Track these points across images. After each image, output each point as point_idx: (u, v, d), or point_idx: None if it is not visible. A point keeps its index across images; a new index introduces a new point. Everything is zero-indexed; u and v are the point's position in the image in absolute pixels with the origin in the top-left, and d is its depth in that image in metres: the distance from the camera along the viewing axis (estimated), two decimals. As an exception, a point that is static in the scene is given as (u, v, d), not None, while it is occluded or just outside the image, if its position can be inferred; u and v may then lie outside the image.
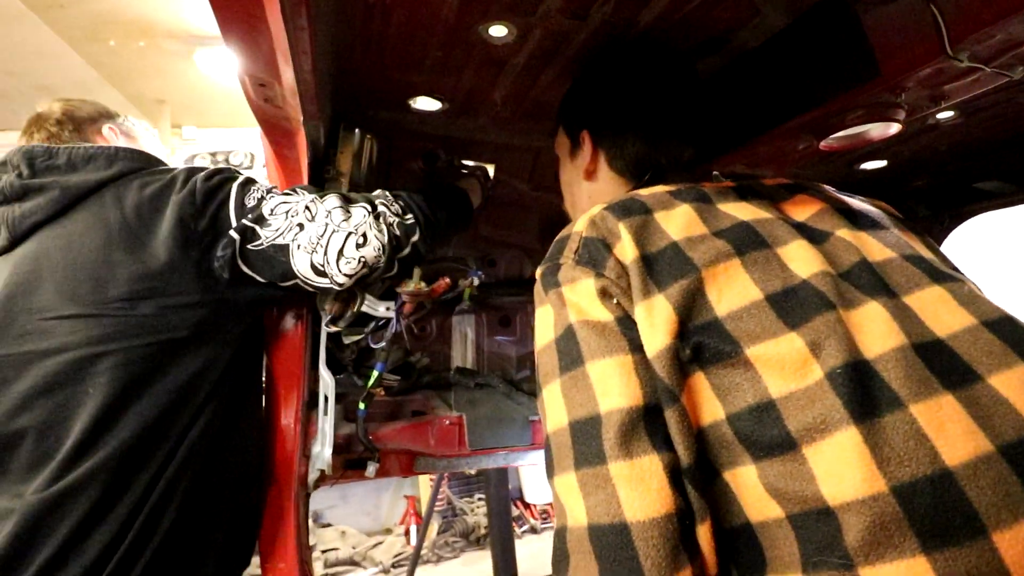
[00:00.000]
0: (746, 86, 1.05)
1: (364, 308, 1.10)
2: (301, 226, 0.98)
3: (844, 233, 0.69)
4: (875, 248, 0.67)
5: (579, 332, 0.62)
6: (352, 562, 3.43)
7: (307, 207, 0.99)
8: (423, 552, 3.22)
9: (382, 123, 1.27)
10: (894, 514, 0.46)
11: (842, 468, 0.49)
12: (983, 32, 0.73)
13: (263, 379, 1.09)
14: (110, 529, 0.82)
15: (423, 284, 1.06)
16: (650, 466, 0.53)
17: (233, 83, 3.56)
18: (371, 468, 1.12)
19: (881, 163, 1.48)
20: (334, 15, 0.90)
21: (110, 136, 1.19)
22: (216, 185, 0.99)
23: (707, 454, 0.57)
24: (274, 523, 1.02)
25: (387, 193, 1.10)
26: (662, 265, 0.63)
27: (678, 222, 0.68)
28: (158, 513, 0.87)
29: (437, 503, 3.50)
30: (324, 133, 1.10)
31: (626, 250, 0.65)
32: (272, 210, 0.98)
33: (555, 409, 0.61)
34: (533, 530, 3.95)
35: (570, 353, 0.61)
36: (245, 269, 0.97)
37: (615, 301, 0.63)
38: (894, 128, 0.96)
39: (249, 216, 0.97)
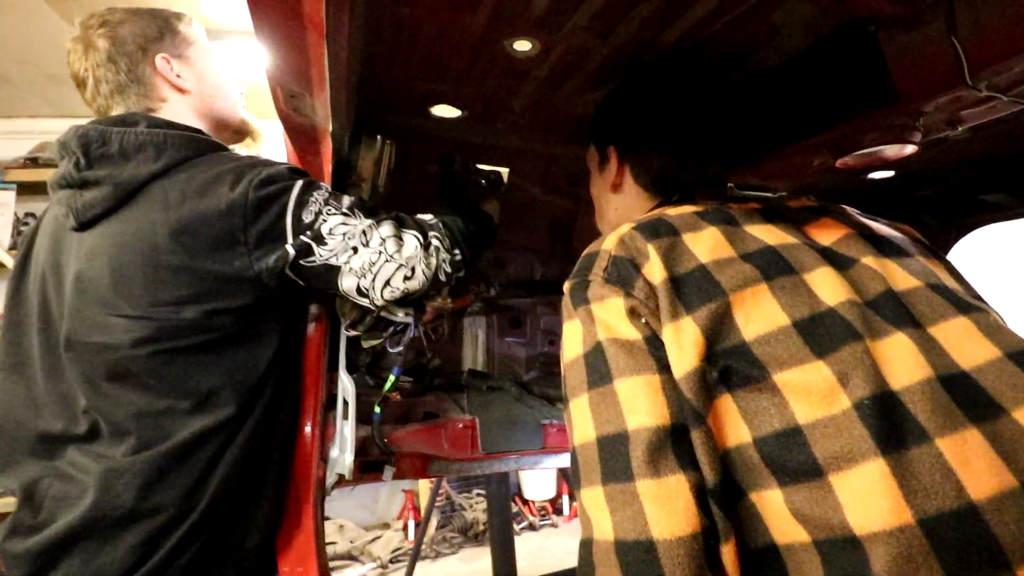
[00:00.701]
0: (764, 103, 1.07)
1: (383, 313, 1.12)
2: (355, 249, 0.99)
3: (869, 260, 0.70)
4: (900, 276, 0.68)
5: (608, 349, 0.63)
6: (350, 556, 3.46)
7: (364, 231, 1.00)
8: (420, 548, 3.25)
9: (401, 128, 1.28)
10: (921, 546, 0.48)
11: (869, 498, 0.50)
12: (1002, 64, 0.75)
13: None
14: (173, 498, 0.90)
15: (449, 300, 1.09)
16: (677, 485, 0.55)
17: (247, 77, 3.54)
18: (388, 472, 1.14)
19: (889, 173, 1.50)
20: (365, 29, 0.92)
21: (164, 69, 1.09)
22: (271, 196, 0.96)
23: (733, 475, 0.58)
24: (293, 526, 1.04)
25: (440, 224, 1.12)
26: (690, 287, 0.64)
27: (706, 244, 0.69)
28: (213, 494, 0.93)
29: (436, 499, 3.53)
30: (348, 140, 1.12)
31: (655, 271, 0.66)
32: (331, 230, 0.98)
33: (582, 423, 0.63)
34: (532, 527, 3.98)
35: (598, 369, 0.63)
36: (291, 276, 0.98)
37: (643, 321, 0.64)
38: (909, 149, 0.98)
39: (307, 233, 0.96)
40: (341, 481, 1.09)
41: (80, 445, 0.95)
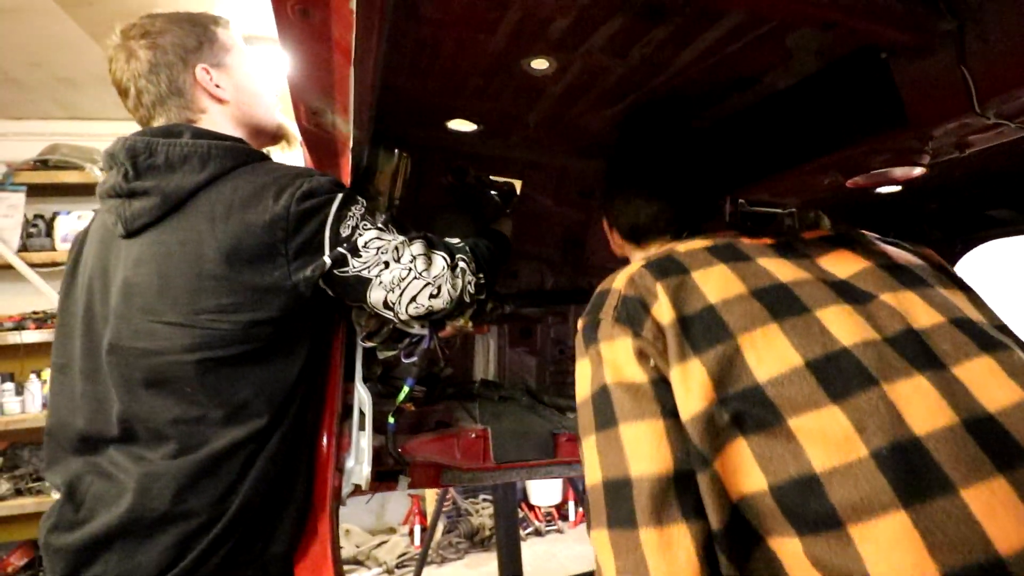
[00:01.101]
0: (775, 123, 1.09)
1: (399, 325, 1.14)
2: (387, 264, 1.02)
3: (888, 297, 0.68)
4: (922, 311, 0.66)
5: (613, 393, 0.64)
6: (356, 561, 3.48)
7: (396, 247, 1.04)
8: (428, 553, 3.27)
9: (417, 141, 1.31)
10: None
11: (892, 552, 0.50)
12: (1010, 93, 0.77)
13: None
14: (205, 503, 0.94)
15: (470, 324, 1.11)
16: (679, 535, 0.56)
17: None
18: (403, 482, 1.16)
19: (895, 188, 1.52)
20: (387, 50, 0.94)
21: (203, 80, 1.10)
22: (313, 209, 0.99)
23: (750, 521, 0.58)
24: (309, 535, 1.06)
25: (467, 248, 1.15)
26: (698, 328, 0.64)
27: (715, 283, 0.69)
28: (242, 501, 0.96)
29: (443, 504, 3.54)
30: (366, 154, 1.14)
31: (663, 311, 0.66)
32: (366, 243, 1.02)
33: (591, 465, 0.64)
34: (537, 532, 3.98)
35: (604, 412, 0.64)
36: (323, 286, 1.02)
37: (651, 363, 0.64)
38: (918, 171, 1.00)
39: (344, 245, 1.00)
40: (356, 491, 1.11)
41: (119, 446, 0.99)
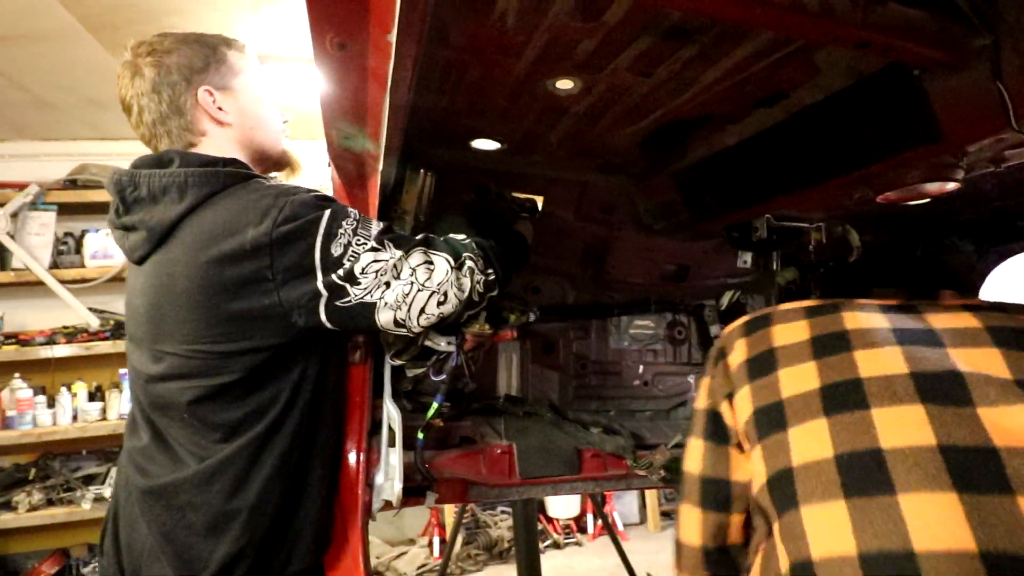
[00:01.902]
0: (803, 139, 1.09)
1: (426, 343, 1.15)
2: (388, 284, 0.98)
3: (987, 410, 0.59)
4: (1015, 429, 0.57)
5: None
6: (376, 573, 3.48)
7: (394, 265, 0.99)
8: (448, 564, 3.26)
9: (441, 160, 1.32)
10: None
11: None
12: (1050, 109, 0.76)
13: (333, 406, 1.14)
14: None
15: (487, 327, 1.11)
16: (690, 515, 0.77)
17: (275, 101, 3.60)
18: (430, 498, 1.16)
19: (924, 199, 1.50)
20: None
21: (205, 102, 1.08)
22: (297, 231, 0.94)
23: None
24: (340, 550, 1.07)
25: (473, 244, 1.11)
26: (763, 418, 0.72)
27: (794, 376, 0.72)
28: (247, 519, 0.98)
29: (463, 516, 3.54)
30: (394, 175, 1.16)
31: (736, 356, 0.81)
32: (364, 269, 0.97)
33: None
34: (556, 545, 3.95)
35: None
36: (325, 321, 0.97)
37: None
38: (951, 186, 0.99)
39: (339, 273, 0.95)
40: (386, 506, 1.12)
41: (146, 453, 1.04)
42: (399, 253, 1.00)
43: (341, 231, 0.97)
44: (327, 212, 0.98)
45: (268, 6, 2.55)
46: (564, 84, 1.03)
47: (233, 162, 1.07)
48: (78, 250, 3.60)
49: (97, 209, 3.66)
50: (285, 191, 0.99)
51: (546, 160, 1.38)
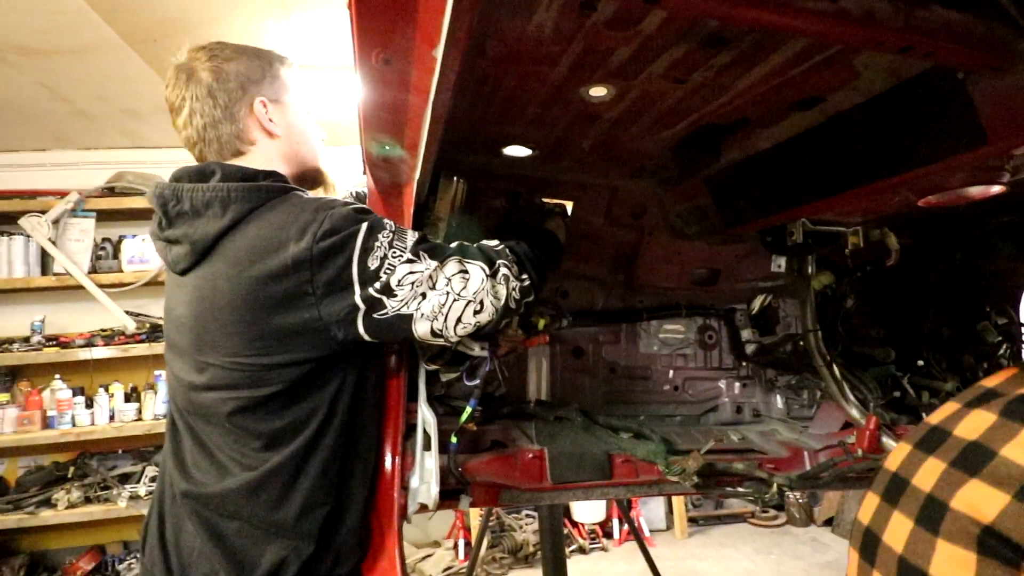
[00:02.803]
0: (842, 142, 1.07)
1: (459, 348, 1.16)
2: (424, 295, 0.99)
3: None
4: None
5: None
6: (402, 572, 3.52)
7: (430, 276, 1.00)
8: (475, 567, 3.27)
9: (473, 167, 1.34)
10: None
11: None
12: (1100, 111, 0.74)
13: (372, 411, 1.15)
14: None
15: (520, 332, 1.12)
16: None
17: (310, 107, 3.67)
18: (464, 501, 1.17)
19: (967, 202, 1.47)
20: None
21: (259, 112, 1.11)
22: (337, 246, 0.96)
23: None
24: (377, 553, 1.08)
25: (507, 251, 1.11)
26: None
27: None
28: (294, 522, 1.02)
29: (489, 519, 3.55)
30: (428, 183, 1.18)
31: None
32: (400, 281, 0.98)
33: None
34: (582, 550, 3.94)
35: None
36: (363, 333, 0.99)
37: None
38: (996, 189, 0.97)
39: (376, 286, 0.97)
40: (421, 509, 1.13)
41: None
42: (434, 264, 1.01)
43: (377, 244, 0.98)
44: (364, 225, 0.99)
45: (299, 14, 2.61)
46: (597, 91, 1.04)
47: (272, 175, 1.08)
48: (115, 255, 3.72)
49: (134, 215, 3.78)
50: (324, 204, 1.01)
51: (577, 166, 1.38)
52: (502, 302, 1.05)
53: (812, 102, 1.05)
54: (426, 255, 1.01)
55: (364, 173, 1.26)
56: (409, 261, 0.99)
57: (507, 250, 1.12)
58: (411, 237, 1.02)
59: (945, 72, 0.87)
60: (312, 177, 1.26)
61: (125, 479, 3.44)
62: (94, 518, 3.35)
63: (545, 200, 1.53)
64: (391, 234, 1.00)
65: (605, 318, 1.62)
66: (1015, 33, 0.78)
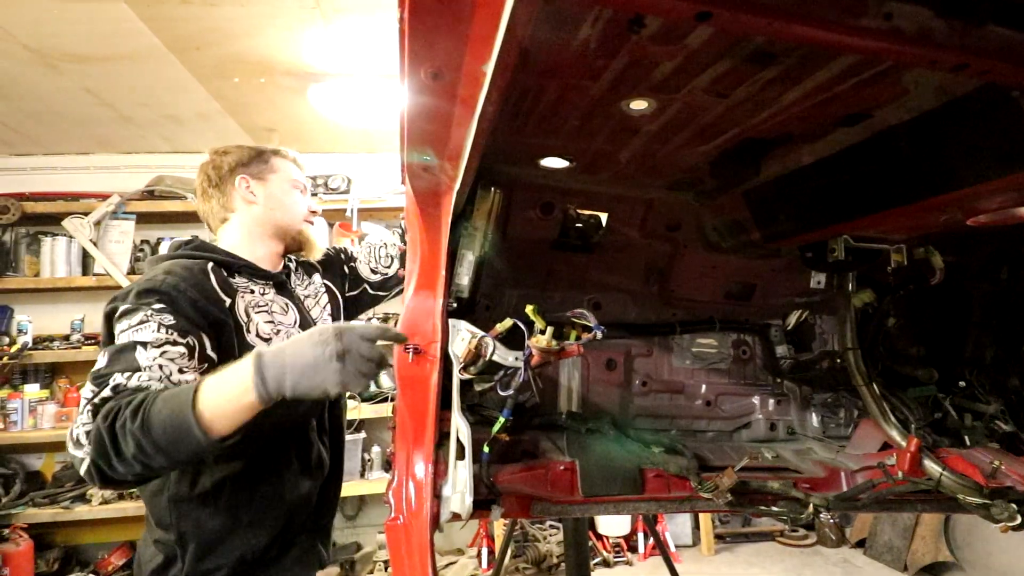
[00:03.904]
0: (889, 159, 1.05)
1: (495, 358, 1.17)
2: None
3: None
4: None
5: None
6: (424, 579, 3.52)
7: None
8: None
9: (508, 176, 1.35)
10: None
11: None
12: None
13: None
14: None
15: (554, 342, 1.12)
16: None
17: (338, 114, 3.76)
18: (496, 512, 1.17)
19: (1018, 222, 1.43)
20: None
21: (240, 187, 1.52)
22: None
23: None
24: (410, 560, 1.09)
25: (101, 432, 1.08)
26: None
27: None
28: None
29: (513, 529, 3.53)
30: (466, 193, 1.19)
31: None
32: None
33: None
34: (606, 563, 3.90)
35: None
36: None
37: None
38: (1050, 209, 0.95)
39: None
40: (454, 518, 1.14)
41: None
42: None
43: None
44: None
45: (337, 23, 2.67)
46: (638, 104, 1.04)
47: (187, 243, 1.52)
48: (153, 257, 3.83)
49: (172, 218, 3.89)
50: (130, 288, 1.28)
51: (613, 178, 1.38)
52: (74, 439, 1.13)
53: (858, 118, 1.03)
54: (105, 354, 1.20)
55: (403, 183, 1.28)
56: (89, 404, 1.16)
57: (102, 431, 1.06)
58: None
59: (999, 90, 0.85)
60: (292, 237, 1.59)
61: (157, 476, 3.54)
62: (127, 514, 3.43)
63: (580, 211, 1.53)
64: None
65: (638, 331, 1.61)
66: (1076, 51, 0.76)
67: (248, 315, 1.40)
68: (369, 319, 3.51)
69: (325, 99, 3.32)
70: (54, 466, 3.75)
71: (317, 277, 1.71)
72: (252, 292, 1.46)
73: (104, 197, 3.76)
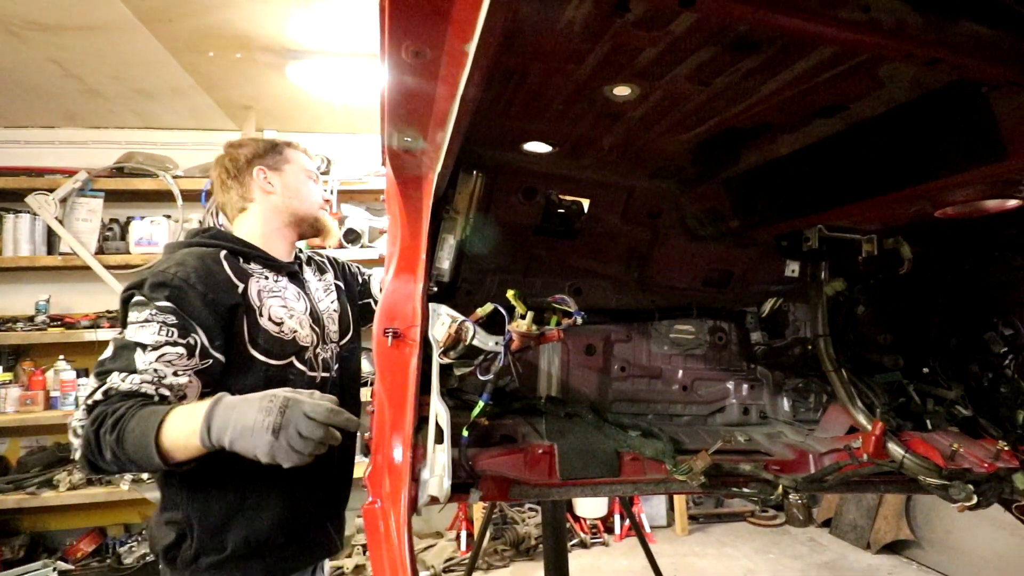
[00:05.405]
0: (863, 151, 1.08)
1: (474, 342, 1.17)
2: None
3: None
4: None
5: None
6: (402, 562, 3.54)
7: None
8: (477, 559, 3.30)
9: (490, 160, 1.34)
10: None
11: None
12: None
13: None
14: None
15: (535, 327, 1.12)
16: None
17: (319, 92, 3.69)
18: (475, 495, 1.18)
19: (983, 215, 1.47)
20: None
21: (258, 176, 1.57)
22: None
23: None
24: (388, 543, 1.10)
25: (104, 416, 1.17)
26: None
27: None
28: None
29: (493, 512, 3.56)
30: (448, 176, 1.18)
31: None
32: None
33: None
34: (583, 544, 3.96)
35: None
36: None
37: None
38: (1012, 203, 0.98)
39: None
40: (432, 501, 1.14)
41: None
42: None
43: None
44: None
45: (319, 2, 2.60)
46: (621, 91, 1.04)
47: (203, 232, 1.57)
48: (123, 236, 3.72)
49: (143, 197, 3.78)
50: (152, 272, 1.36)
51: (596, 164, 1.39)
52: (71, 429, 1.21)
53: (835, 110, 1.05)
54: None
55: (383, 164, 1.27)
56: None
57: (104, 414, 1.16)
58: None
59: (969, 86, 0.88)
60: (309, 223, 1.64)
61: (128, 461, 3.47)
62: (96, 500, 3.37)
63: (563, 197, 1.53)
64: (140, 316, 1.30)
65: (617, 317, 1.62)
66: (1044, 49, 0.78)
67: (261, 299, 1.47)
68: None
69: (305, 77, 3.24)
70: (19, 451, 3.65)
71: (329, 277, 1.78)
72: (266, 279, 1.51)
73: (70, 173, 3.62)
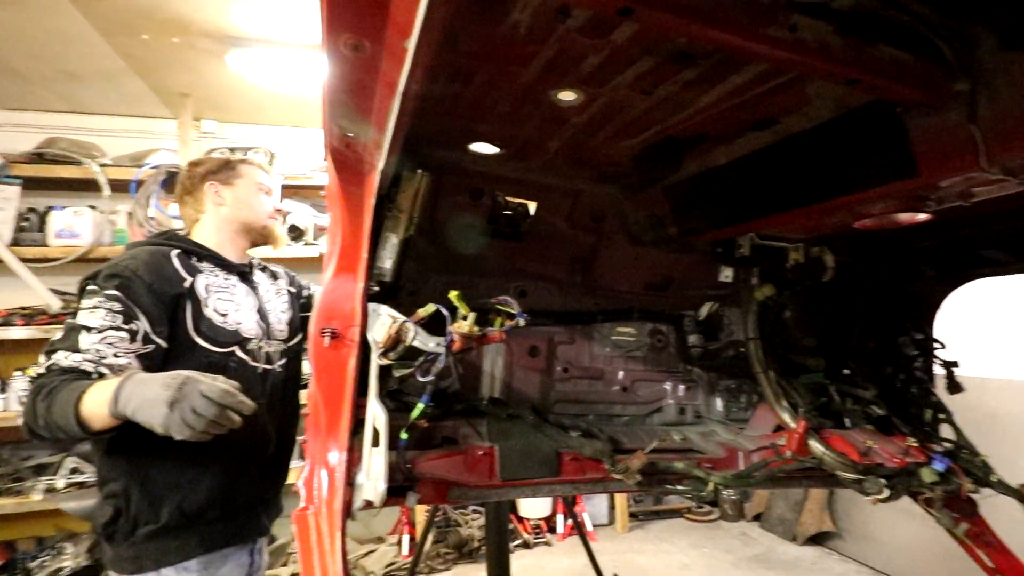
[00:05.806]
0: (790, 163, 1.13)
1: (415, 343, 1.15)
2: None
3: None
4: None
5: None
6: (342, 567, 3.46)
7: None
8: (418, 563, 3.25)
9: (437, 161, 1.33)
10: None
11: None
12: (1016, 153, 0.82)
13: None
14: None
15: (477, 328, 1.12)
16: None
17: (262, 82, 3.55)
18: (412, 498, 1.16)
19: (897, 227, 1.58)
20: (424, 78, 0.96)
21: (210, 192, 1.71)
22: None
23: None
24: (320, 548, 1.07)
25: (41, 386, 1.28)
26: None
27: None
28: None
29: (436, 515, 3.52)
30: (392, 174, 1.16)
31: None
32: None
33: None
34: (526, 545, 3.98)
35: None
36: None
37: None
38: (922, 217, 1.06)
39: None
40: (367, 506, 1.12)
41: None
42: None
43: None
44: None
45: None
46: (567, 95, 1.05)
47: (153, 243, 1.64)
48: (41, 227, 3.45)
49: (65, 185, 3.53)
50: (106, 266, 1.46)
51: (542, 167, 1.40)
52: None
53: (767, 123, 1.11)
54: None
55: (325, 159, 1.23)
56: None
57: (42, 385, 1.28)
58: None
59: (886, 106, 0.94)
60: (258, 231, 1.77)
61: (40, 471, 3.18)
62: (4, 512, 3.11)
63: (509, 199, 1.54)
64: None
65: (561, 319, 1.64)
66: (950, 76, 0.85)
67: (208, 292, 1.59)
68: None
69: (247, 65, 3.12)
70: (-83, 457, 3.33)
71: (283, 282, 1.92)
72: (216, 276, 1.65)
73: (-17, 157, 3.35)
